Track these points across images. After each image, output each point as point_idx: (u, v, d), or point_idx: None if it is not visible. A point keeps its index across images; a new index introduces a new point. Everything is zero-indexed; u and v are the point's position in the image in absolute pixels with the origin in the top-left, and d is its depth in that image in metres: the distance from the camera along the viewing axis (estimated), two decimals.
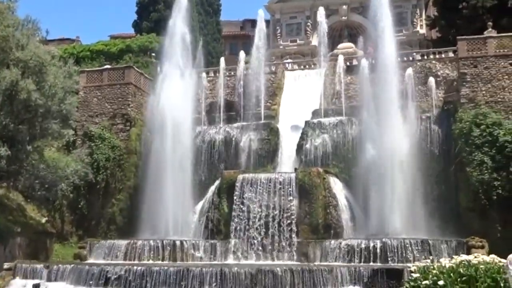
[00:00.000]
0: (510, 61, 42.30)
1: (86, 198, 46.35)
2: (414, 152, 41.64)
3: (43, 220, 43.07)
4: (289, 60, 63.05)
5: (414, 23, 71.21)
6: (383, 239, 36.01)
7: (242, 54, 54.25)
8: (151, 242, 39.53)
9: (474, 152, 39.60)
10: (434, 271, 20.91)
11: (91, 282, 31.32)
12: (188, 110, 45.88)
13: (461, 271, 20.42)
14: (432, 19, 67.59)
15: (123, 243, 40.20)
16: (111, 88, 49.72)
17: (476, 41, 43.97)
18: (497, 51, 42.99)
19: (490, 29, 47.24)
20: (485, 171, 38.77)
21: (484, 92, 42.24)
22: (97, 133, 47.53)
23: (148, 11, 73.08)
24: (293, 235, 39.25)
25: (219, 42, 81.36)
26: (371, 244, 35.66)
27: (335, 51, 61.51)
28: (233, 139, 47.65)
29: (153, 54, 59.31)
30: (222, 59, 55.25)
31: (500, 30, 47.27)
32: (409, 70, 47.42)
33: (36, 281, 32.55)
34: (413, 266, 23.04)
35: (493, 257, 21.11)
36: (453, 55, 49.90)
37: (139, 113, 49.57)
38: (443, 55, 51.60)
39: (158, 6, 72.21)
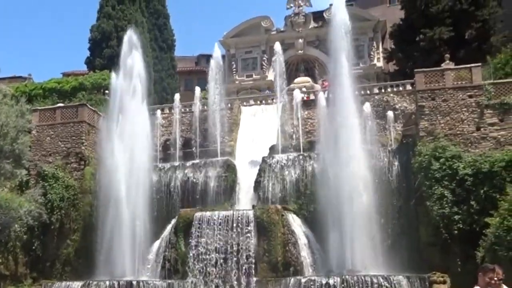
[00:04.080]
0: (468, 93, 42.21)
1: (40, 239, 45.38)
2: (373, 187, 41.19)
3: None
4: (251, 97, 62.31)
5: (371, 56, 71.13)
6: (344, 276, 35.57)
7: (197, 90, 53.72)
8: (107, 282, 38.84)
9: (434, 186, 39.27)
10: None
11: None
12: (143, 148, 45.18)
13: None
14: (389, 52, 67.67)
15: (78, 284, 39.66)
16: (65, 127, 48.85)
17: (434, 73, 43.82)
18: (455, 83, 42.89)
19: (447, 61, 47.34)
20: (446, 205, 38.43)
21: (442, 124, 42.04)
22: (50, 173, 46.51)
23: (101, 47, 72.39)
24: (252, 274, 38.70)
25: (174, 78, 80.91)
26: (332, 281, 35.22)
27: (292, 85, 61.14)
28: (190, 176, 46.77)
29: (107, 91, 58.60)
30: (177, 95, 54.62)
31: (457, 62, 47.34)
32: (367, 104, 47.22)
33: None
34: None
35: None
36: (411, 88, 49.90)
37: (93, 151, 48.66)
38: (400, 88, 51.63)
39: (111, 43, 71.54)
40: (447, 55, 48.80)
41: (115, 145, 44.68)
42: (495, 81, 43.57)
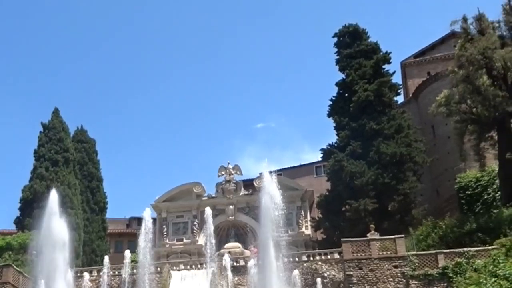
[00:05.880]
0: (393, 264, 43.34)
1: None
2: None
3: None
4: (181, 261, 62.10)
5: (299, 224, 72.14)
6: None
7: (127, 252, 53.51)
8: None
9: None
10: None
11: None
12: None
13: None
14: (317, 221, 68.80)
15: None
16: None
17: (360, 243, 45.00)
18: (381, 253, 44.06)
19: (373, 232, 48.46)
20: None
21: None
22: None
23: (31, 207, 71.70)
24: None
25: (104, 240, 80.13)
26: None
27: (222, 250, 61.50)
28: None
29: (34, 252, 57.88)
30: (106, 258, 54.28)
31: (382, 233, 48.57)
32: (296, 272, 47.58)
33: None
34: None
35: None
36: (338, 256, 50.51)
37: None
38: (329, 256, 52.13)
39: (43, 203, 71.07)
40: (372, 226, 50.02)
41: None
42: (418, 253, 44.81)
